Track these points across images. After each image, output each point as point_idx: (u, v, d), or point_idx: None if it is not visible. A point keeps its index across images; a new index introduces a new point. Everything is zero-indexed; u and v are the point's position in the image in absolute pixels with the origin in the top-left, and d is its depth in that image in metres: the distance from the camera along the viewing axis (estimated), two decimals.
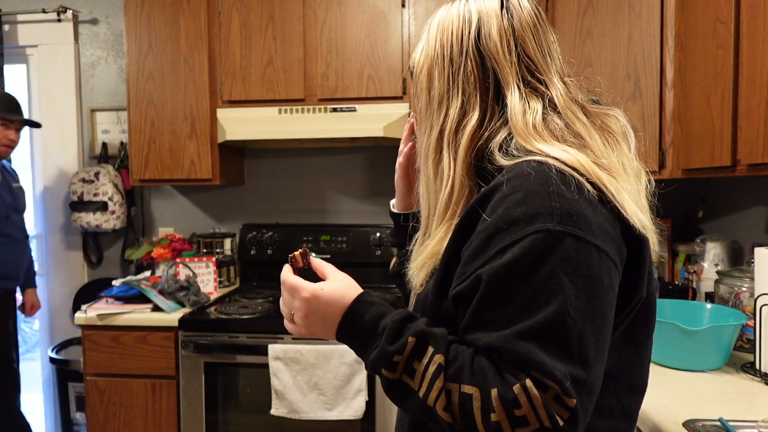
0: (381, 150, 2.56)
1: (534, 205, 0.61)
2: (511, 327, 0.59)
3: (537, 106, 0.71)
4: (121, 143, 2.61)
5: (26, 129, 2.70)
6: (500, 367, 0.59)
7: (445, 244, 0.71)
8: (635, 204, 0.67)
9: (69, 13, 2.61)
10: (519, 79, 0.73)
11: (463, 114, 0.74)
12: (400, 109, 2.13)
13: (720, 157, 1.44)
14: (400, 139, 2.35)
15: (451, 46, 0.75)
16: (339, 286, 0.72)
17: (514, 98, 0.72)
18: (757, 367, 1.31)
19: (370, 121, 2.10)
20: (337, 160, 2.60)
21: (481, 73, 0.74)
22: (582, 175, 0.64)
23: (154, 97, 2.28)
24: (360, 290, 0.73)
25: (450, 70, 0.75)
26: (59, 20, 2.61)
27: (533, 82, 0.73)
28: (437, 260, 0.72)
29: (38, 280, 2.60)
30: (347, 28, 2.18)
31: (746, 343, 1.48)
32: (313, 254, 0.81)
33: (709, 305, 1.54)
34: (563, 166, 0.64)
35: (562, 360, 0.57)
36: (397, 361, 0.63)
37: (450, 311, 0.68)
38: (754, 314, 1.33)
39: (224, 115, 2.21)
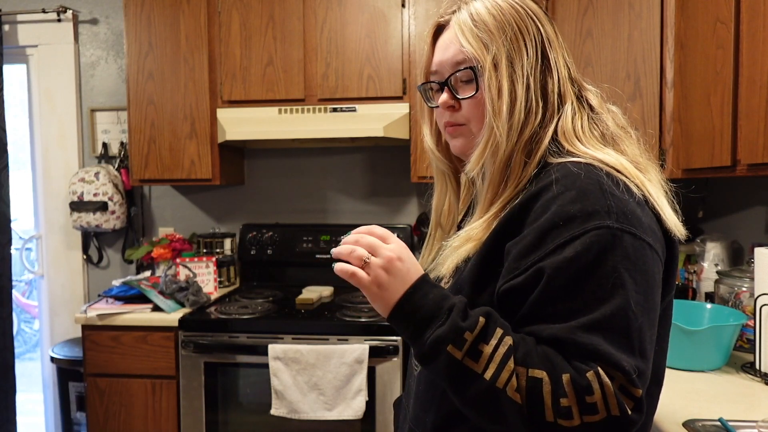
0: (381, 150, 2.56)
1: (590, 202, 0.63)
2: (576, 319, 0.60)
3: (583, 110, 0.74)
4: (121, 143, 2.61)
5: (26, 129, 2.70)
6: (566, 356, 0.60)
7: (486, 234, 0.71)
8: (670, 206, 0.70)
9: (69, 13, 2.60)
10: (572, 84, 0.76)
11: (543, 121, 0.73)
12: (400, 109, 2.13)
13: (720, 157, 1.44)
14: (400, 139, 2.36)
15: (526, 47, 0.73)
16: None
17: (569, 103, 0.74)
18: (757, 367, 1.31)
19: (370, 121, 2.10)
20: (337, 160, 2.60)
21: (557, 75, 0.74)
22: (626, 177, 0.67)
23: (154, 97, 2.27)
24: (423, 271, 0.71)
25: (530, 74, 0.73)
26: (59, 20, 2.61)
27: (574, 86, 0.76)
28: (473, 248, 0.72)
29: (38, 280, 2.60)
30: (347, 28, 2.18)
31: (746, 343, 1.48)
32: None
33: (709, 305, 1.54)
34: (609, 168, 0.67)
35: (626, 352, 0.59)
36: (466, 339, 0.62)
37: (487, 305, 0.68)
38: (754, 314, 1.33)
39: (224, 115, 2.21)
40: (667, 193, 0.73)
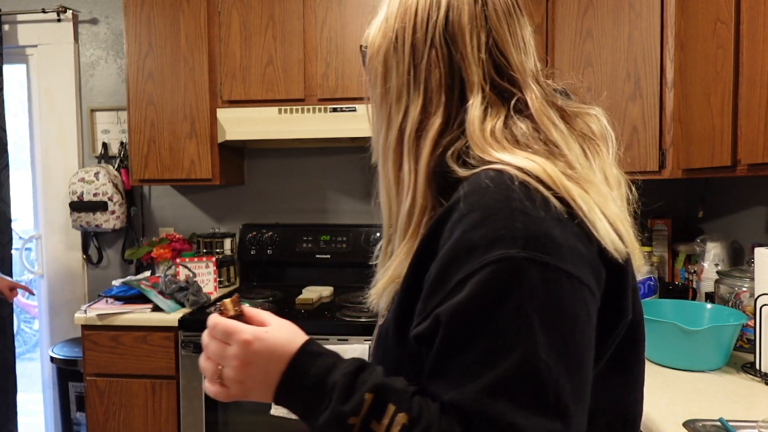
0: None
1: (494, 226, 0.53)
2: (476, 381, 0.51)
3: (500, 111, 0.63)
4: (121, 143, 2.61)
5: (26, 129, 2.70)
6: (472, 428, 0.51)
7: (405, 267, 0.62)
8: (614, 218, 0.58)
9: (69, 13, 2.60)
10: (486, 79, 0.64)
11: (425, 115, 0.65)
12: None
13: (720, 157, 1.44)
14: None
15: (414, 30, 0.65)
16: (285, 330, 0.60)
17: (475, 102, 0.62)
18: (757, 367, 1.31)
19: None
20: (337, 160, 2.60)
21: (447, 68, 0.64)
22: (549, 188, 0.55)
23: (154, 97, 2.27)
24: (305, 338, 0.61)
25: (411, 59, 0.65)
26: (59, 20, 2.61)
27: (502, 84, 0.64)
28: (398, 284, 0.64)
29: (38, 280, 2.60)
30: (347, 28, 2.18)
31: (746, 343, 1.48)
32: (246, 303, 0.70)
33: (709, 305, 1.54)
34: (526, 177, 0.56)
35: (539, 415, 0.50)
36: (352, 423, 0.54)
37: (415, 350, 0.59)
38: (754, 314, 1.33)
39: (224, 115, 2.21)
40: (622, 210, 0.61)
